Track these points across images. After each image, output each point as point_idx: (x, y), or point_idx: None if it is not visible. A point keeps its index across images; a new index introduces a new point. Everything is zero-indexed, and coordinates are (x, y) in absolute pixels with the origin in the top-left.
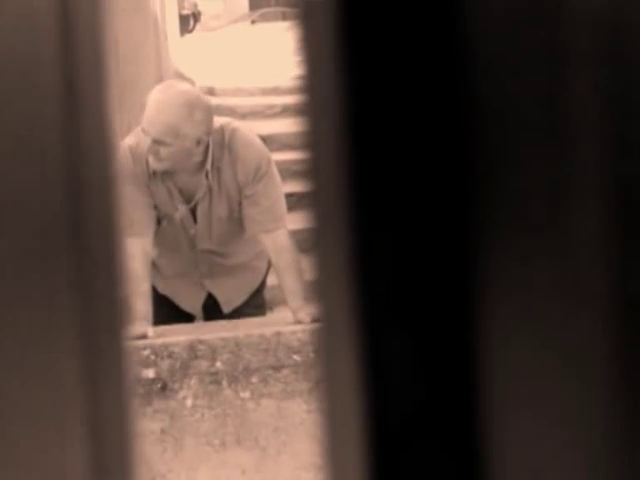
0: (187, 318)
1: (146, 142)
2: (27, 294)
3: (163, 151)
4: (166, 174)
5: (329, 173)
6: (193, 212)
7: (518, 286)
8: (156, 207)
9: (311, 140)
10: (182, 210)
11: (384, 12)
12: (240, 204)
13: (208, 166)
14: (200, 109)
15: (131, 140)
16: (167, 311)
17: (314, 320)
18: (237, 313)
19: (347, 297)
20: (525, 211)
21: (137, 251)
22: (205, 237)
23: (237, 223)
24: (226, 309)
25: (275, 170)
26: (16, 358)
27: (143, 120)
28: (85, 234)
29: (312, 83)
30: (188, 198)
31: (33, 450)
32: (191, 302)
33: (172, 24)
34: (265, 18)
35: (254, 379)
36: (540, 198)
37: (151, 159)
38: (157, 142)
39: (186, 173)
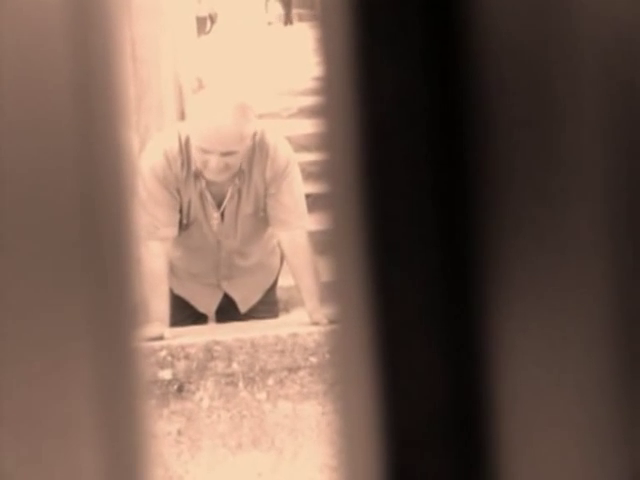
0: (200, 319)
1: (210, 159)
2: (39, 296)
3: (231, 160)
4: (201, 177)
5: (344, 175)
6: (222, 213)
7: (524, 289)
8: (181, 210)
9: (327, 142)
10: (216, 214)
11: (400, 14)
12: (265, 202)
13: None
14: (248, 106)
15: (165, 143)
16: (180, 312)
17: (330, 322)
18: (251, 312)
19: (362, 299)
20: (530, 214)
21: (158, 253)
22: (231, 237)
23: (262, 221)
24: (243, 308)
25: (298, 170)
26: (28, 360)
27: (199, 138)
28: (99, 236)
29: (328, 85)
30: (220, 200)
31: (46, 452)
32: (206, 303)
33: (189, 26)
34: (282, 20)
35: (270, 381)
36: (545, 201)
37: (217, 174)
38: (225, 154)
39: None
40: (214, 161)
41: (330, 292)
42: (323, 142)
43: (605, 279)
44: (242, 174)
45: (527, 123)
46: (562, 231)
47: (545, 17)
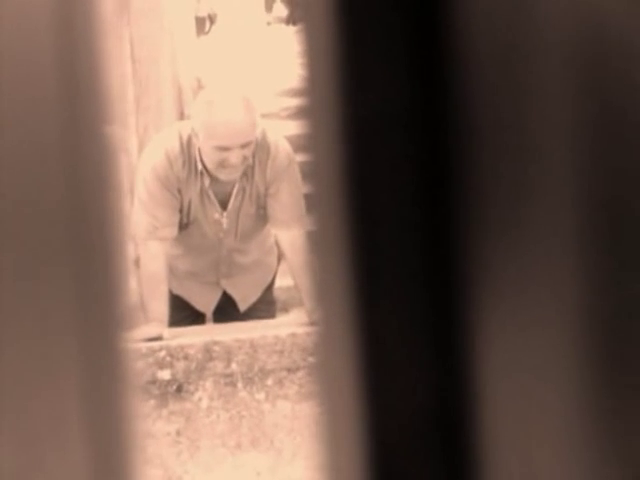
0: (198, 319)
1: (229, 156)
2: (27, 297)
3: (247, 152)
4: (205, 176)
5: (328, 176)
6: (225, 211)
7: (508, 291)
8: (182, 210)
9: (311, 143)
10: (219, 213)
11: (384, 16)
12: (265, 201)
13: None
14: (249, 98)
15: (166, 143)
16: (178, 312)
17: (314, 323)
18: (248, 311)
19: (345, 300)
20: (512, 215)
21: (158, 253)
22: (232, 234)
23: (261, 219)
24: (242, 307)
25: (297, 169)
26: (17, 362)
27: (214, 138)
28: (88, 235)
29: (312, 86)
30: (222, 198)
31: (35, 453)
32: (205, 302)
33: (188, 26)
34: (281, 20)
35: (269, 381)
36: (526, 202)
37: (235, 169)
38: (244, 146)
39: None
40: (234, 156)
41: (314, 294)
42: (307, 143)
43: (585, 278)
44: (247, 171)
45: (510, 124)
46: (542, 231)
47: (527, 18)
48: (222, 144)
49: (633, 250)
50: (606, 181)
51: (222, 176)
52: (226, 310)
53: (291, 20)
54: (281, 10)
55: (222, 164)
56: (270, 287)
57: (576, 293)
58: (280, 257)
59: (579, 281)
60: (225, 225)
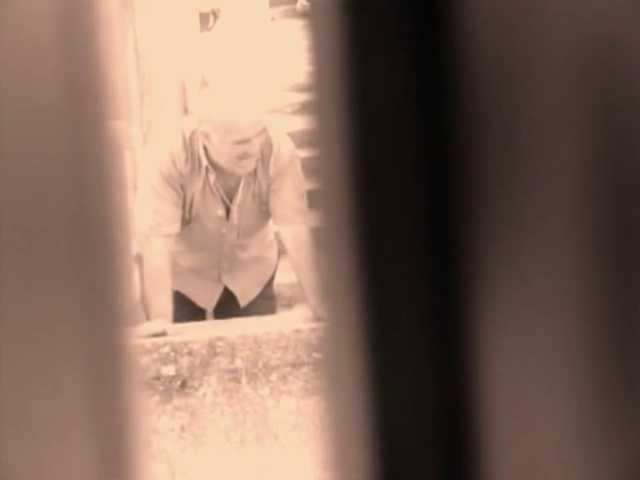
0: (198, 315)
1: (248, 148)
2: (31, 294)
3: (262, 138)
4: (209, 171)
5: (334, 171)
6: (229, 207)
7: (512, 290)
8: (184, 206)
9: (317, 138)
10: (223, 208)
11: (389, 13)
12: (268, 198)
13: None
14: (252, 93)
15: (170, 140)
16: (178, 308)
17: (320, 319)
18: (249, 307)
19: (351, 296)
20: (516, 215)
21: (161, 250)
22: (234, 230)
23: (264, 215)
24: (243, 303)
25: (300, 165)
26: (21, 358)
27: (233, 134)
28: (90, 233)
29: (318, 82)
30: (227, 193)
31: (40, 449)
32: (206, 298)
33: (192, 22)
34: (285, 15)
35: (273, 376)
36: (530, 200)
37: (253, 160)
38: (259, 134)
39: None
40: (252, 146)
41: (319, 290)
42: (313, 139)
43: (587, 276)
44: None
45: (514, 125)
46: (544, 232)
47: (531, 20)
48: (242, 137)
49: (634, 248)
50: (608, 177)
51: (239, 170)
52: (226, 306)
53: (302, 15)
54: (304, 4)
55: (241, 157)
56: (270, 283)
57: (578, 291)
58: (281, 253)
59: (581, 279)
60: (230, 221)
